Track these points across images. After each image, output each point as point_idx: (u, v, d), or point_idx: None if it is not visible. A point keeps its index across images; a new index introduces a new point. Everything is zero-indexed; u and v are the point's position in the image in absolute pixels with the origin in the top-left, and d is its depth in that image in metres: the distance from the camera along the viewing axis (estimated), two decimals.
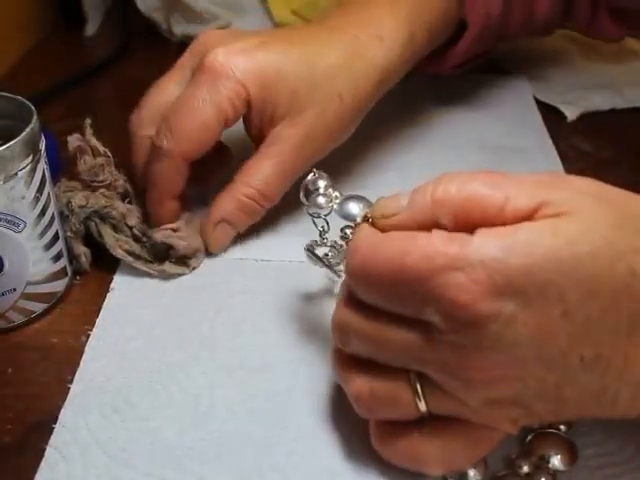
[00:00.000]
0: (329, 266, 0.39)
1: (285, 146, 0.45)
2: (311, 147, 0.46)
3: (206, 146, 0.45)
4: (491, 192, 0.29)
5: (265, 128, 0.46)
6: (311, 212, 0.38)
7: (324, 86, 0.46)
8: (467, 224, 0.29)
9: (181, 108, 0.44)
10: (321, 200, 0.36)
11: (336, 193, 0.36)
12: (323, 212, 0.37)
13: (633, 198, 0.30)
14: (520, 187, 0.29)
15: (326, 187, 0.36)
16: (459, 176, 0.30)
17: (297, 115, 0.45)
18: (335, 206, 0.35)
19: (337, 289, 0.43)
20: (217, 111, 0.44)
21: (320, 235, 0.39)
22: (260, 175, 0.45)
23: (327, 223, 0.38)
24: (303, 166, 0.46)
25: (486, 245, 0.28)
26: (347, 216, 0.34)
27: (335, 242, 0.39)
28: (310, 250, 0.40)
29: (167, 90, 0.47)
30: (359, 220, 0.33)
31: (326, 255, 0.39)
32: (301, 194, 0.38)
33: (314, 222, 0.38)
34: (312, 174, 0.37)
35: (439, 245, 0.28)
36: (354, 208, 0.34)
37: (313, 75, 0.46)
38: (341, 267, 0.39)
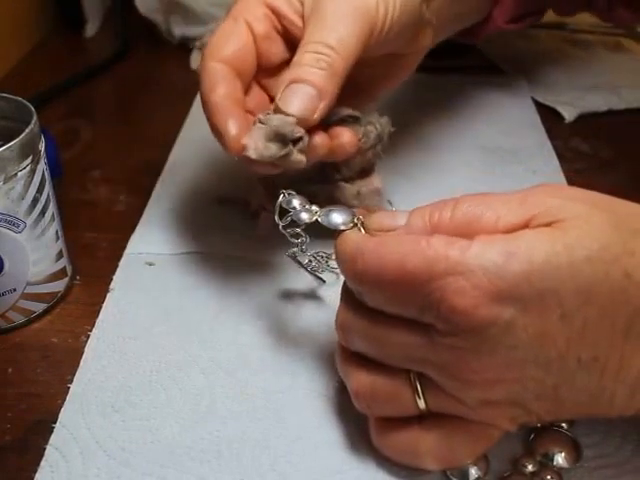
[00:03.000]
0: (312, 273, 0.40)
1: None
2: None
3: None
4: (482, 213, 0.30)
5: None
6: (288, 230, 0.38)
7: None
8: None
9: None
10: (304, 216, 0.36)
11: (314, 207, 0.36)
12: (303, 225, 0.37)
13: (618, 202, 0.31)
14: (509, 204, 0.30)
15: (301, 204, 0.36)
16: (451, 202, 0.31)
17: None
18: (320, 218, 0.35)
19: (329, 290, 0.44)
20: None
21: (299, 247, 0.39)
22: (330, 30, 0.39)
23: (304, 236, 0.38)
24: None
25: (487, 250, 0.28)
26: (336, 225, 0.34)
27: (317, 253, 0.39)
28: (293, 257, 0.40)
29: None
30: (344, 227, 0.34)
31: (310, 262, 0.40)
32: (275, 216, 0.37)
33: (291, 238, 0.38)
34: (282, 195, 0.37)
35: (440, 249, 0.28)
36: (341, 216, 0.34)
37: None
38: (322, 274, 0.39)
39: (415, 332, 0.30)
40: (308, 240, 0.38)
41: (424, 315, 0.29)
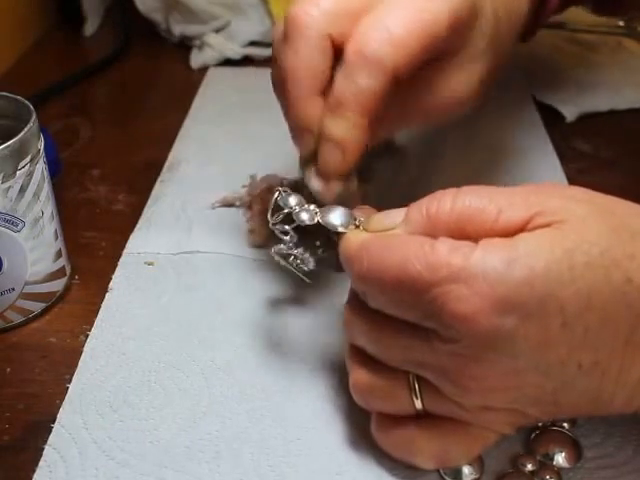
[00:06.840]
0: (297, 271, 0.39)
1: None
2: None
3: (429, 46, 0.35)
4: (484, 205, 0.29)
5: None
6: (278, 228, 0.37)
7: None
8: (463, 238, 0.29)
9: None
10: (305, 216, 0.35)
11: (312, 206, 0.36)
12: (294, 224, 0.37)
13: (619, 203, 0.30)
14: (512, 199, 0.30)
15: (299, 203, 0.36)
16: (451, 192, 0.30)
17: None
18: (319, 218, 0.35)
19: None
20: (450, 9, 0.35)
21: (287, 244, 0.38)
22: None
23: (292, 234, 0.38)
24: None
25: (488, 257, 0.28)
26: (335, 226, 0.34)
27: (302, 253, 0.39)
28: (279, 254, 0.39)
29: None
30: (342, 229, 0.33)
31: (296, 261, 0.40)
32: (269, 214, 0.37)
33: (280, 234, 0.38)
34: (278, 193, 0.36)
35: (443, 255, 0.28)
36: (340, 217, 0.34)
37: None
38: (305, 269, 0.38)
39: (416, 336, 0.30)
40: (295, 239, 0.38)
41: (426, 320, 0.29)
